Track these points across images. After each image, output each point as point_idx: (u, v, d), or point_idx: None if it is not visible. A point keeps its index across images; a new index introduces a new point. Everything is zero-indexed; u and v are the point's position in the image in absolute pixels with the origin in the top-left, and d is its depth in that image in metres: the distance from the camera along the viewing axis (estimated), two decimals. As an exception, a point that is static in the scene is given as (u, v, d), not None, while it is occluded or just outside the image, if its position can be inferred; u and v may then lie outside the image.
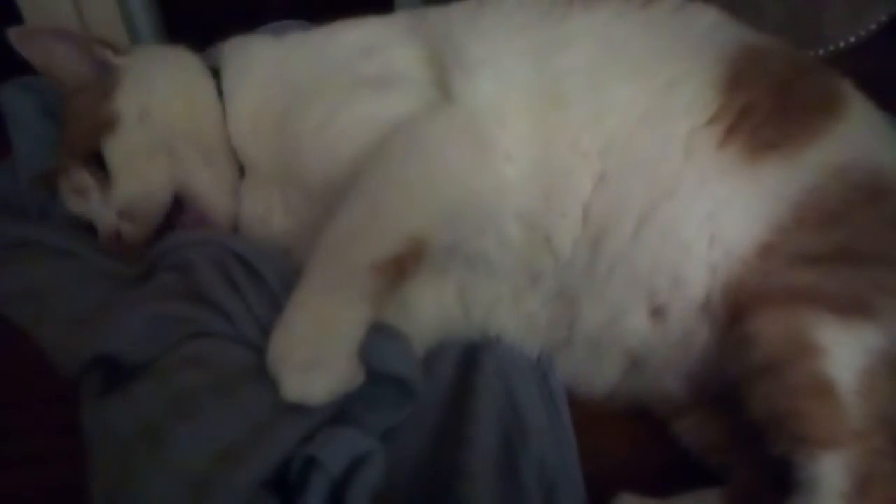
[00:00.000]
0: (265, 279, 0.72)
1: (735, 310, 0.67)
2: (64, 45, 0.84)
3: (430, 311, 0.79)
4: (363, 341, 0.64)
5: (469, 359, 0.79)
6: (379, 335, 0.66)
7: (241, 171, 0.85)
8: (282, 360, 0.62)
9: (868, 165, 0.69)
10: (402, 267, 0.67)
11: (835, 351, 0.61)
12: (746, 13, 1.06)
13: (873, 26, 1.09)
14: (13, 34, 0.82)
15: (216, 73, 0.87)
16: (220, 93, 0.86)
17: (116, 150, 0.80)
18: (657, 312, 0.72)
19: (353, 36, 0.85)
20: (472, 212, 0.73)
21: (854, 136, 0.71)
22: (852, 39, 1.10)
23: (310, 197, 0.80)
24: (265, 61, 0.85)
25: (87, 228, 0.84)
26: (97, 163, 0.81)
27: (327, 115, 0.77)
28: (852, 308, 0.62)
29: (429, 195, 0.71)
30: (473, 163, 0.73)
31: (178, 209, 0.82)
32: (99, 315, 0.72)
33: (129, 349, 0.66)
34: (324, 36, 0.87)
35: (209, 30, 1.03)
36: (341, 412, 0.64)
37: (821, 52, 1.11)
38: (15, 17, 1.15)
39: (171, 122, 0.82)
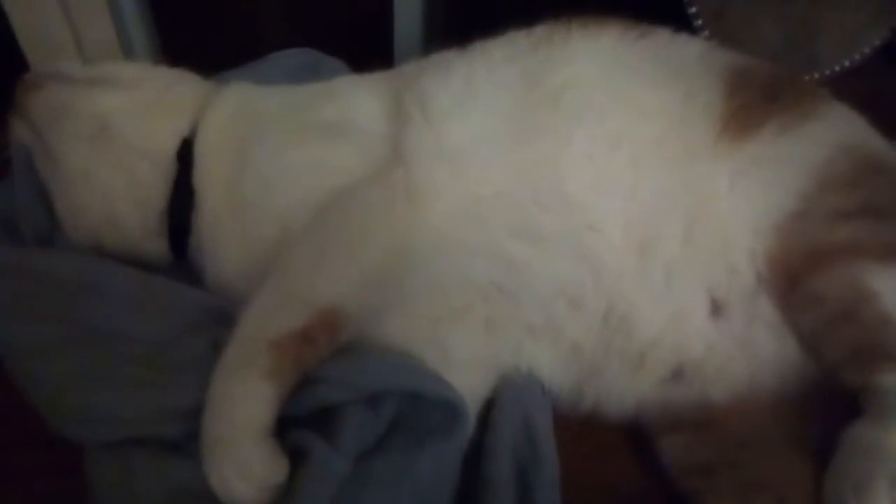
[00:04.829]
0: None
1: (790, 273, 0.70)
2: None
3: (464, 356, 0.75)
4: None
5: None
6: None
7: None
8: (204, 451, 0.60)
9: (865, 146, 0.75)
10: (310, 339, 0.64)
11: (885, 292, 0.66)
12: (744, 37, 1.08)
13: (867, 50, 1.11)
14: None
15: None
16: None
17: None
18: (717, 309, 0.73)
19: (326, 84, 0.86)
20: (409, 268, 0.71)
21: (844, 120, 0.78)
22: (847, 63, 1.12)
23: (246, 235, 0.77)
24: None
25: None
26: None
27: (275, 149, 0.77)
28: (889, 254, 0.67)
29: (343, 263, 0.69)
30: (400, 220, 0.72)
31: None
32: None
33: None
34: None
35: (209, 54, 1.02)
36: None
37: (816, 75, 1.13)
38: (11, 43, 1.14)
39: None
